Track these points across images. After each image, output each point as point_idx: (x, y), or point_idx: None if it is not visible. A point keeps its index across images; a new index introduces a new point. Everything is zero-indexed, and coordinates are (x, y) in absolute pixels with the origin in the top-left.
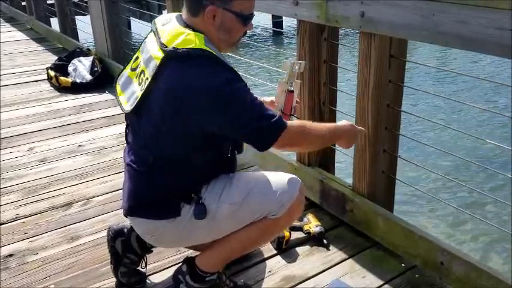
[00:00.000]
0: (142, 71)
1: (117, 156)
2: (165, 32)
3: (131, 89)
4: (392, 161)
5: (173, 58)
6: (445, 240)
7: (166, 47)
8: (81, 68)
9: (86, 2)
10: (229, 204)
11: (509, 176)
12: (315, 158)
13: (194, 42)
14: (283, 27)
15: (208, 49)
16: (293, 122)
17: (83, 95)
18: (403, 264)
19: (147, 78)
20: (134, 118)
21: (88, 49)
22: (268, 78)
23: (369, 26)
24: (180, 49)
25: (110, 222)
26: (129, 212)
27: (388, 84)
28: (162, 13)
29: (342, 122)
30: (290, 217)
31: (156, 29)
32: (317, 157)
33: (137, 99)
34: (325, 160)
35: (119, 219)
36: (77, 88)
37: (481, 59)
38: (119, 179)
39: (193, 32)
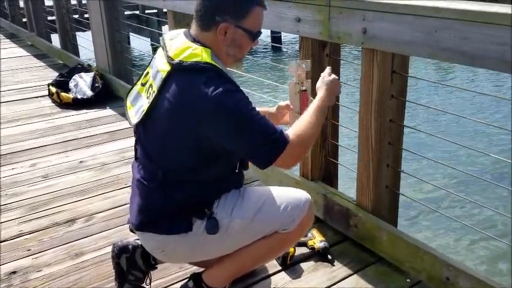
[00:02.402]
0: (151, 85)
1: (119, 172)
2: (172, 46)
3: (140, 103)
4: (396, 176)
5: (179, 71)
6: (450, 254)
7: (173, 60)
8: (82, 84)
9: (87, 18)
10: (241, 219)
11: (510, 188)
12: (318, 172)
13: (201, 55)
14: (282, 41)
15: (214, 63)
16: (290, 134)
17: (84, 110)
18: (408, 280)
19: (154, 91)
20: (142, 132)
21: (89, 65)
22: (268, 93)
23: (371, 43)
24: (186, 62)
25: (113, 238)
26: (139, 227)
27: (391, 99)
28: (161, 29)
29: (318, 91)
30: (300, 231)
31: (165, 43)
32: (320, 172)
33: (144, 112)
34: (328, 175)
35: (123, 235)
36: (78, 104)
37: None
38: (122, 195)
39: (200, 47)
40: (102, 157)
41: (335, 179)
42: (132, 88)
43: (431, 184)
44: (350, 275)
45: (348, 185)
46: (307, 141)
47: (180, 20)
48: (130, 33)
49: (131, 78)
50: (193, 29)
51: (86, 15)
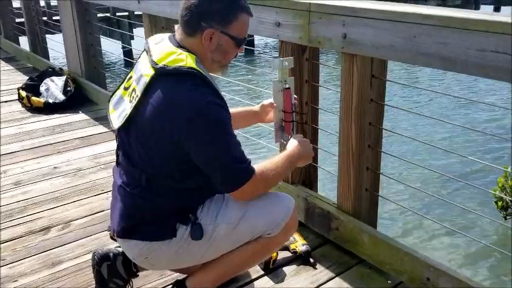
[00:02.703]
0: (134, 89)
1: (95, 178)
2: (157, 51)
3: (123, 107)
4: (376, 179)
5: (163, 75)
6: (430, 255)
7: (157, 64)
8: (54, 88)
9: (56, 21)
10: (226, 224)
11: (489, 191)
12: (298, 176)
13: (185, 61)
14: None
15: (198, 69)
16: (257, 170)
17: (56, 115)
18: (389, 281)
19: (137, 96)
20: (124, 136)
21: (60, 69)
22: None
23: (351, 47)
24: (169, 67)
25: (91, 246)
26: (121, 234)
27: (370, 103)
28: (132, 31)
29: (291, 145)
30: (285, 235)
31: (149, 47)
32: (300, 175)
33: (126, 116)
34: (308, 178)
35: (101, 242)
36: (49, 108)
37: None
38: (98, 202)
39: (185, 52)
40: (77, 163)
41: (315, 183)
42: (114, 92)
43: (410, 186)
44: (332, 278)
45: (327, 188)
46: (270, 182)
47: (155, 23)
48: (101, 36)
49: (104, 82)
50: (178, 33)
51: (55, 18)
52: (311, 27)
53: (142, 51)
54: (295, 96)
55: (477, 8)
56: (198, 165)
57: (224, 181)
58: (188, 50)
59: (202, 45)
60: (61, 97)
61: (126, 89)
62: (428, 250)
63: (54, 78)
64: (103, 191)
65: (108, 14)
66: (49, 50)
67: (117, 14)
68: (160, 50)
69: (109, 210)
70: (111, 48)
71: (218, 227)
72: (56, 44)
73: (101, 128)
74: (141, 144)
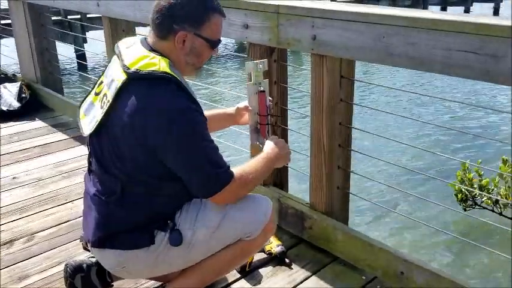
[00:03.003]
0: (105, 94)
1: (58, 187)
2: (128, 55)
3: (93, 113)
4: (346, 177)
5: (135, 80)
6: (402, 249)
7: (129, 69)
8: (7, 95)
9: (6, 25)
10: (205, 229)
11: (450, 182)
12: (269, 177)
13: (158, 65)
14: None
15: (172, 73)
16: (236, 173)
17: (11, 123)
18: (364, 277)
19: (108, 101)
20: (96, 143)
21: (14, 75)
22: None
23: (320, 49)
24: (142, 71)
25: (59, 258)
26: (97, 244)
27: (340, 103)
28: (85, 34)
29: (268, 146)
30: (265, 236)
31: (120, 51)
32: (271, 176)
33: (97, 122)
34: (279, 179)
35: (69, 254)
36: (3, 116)
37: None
38: (63, 212)
39: (158, 56)
40: (37, 172)
41: (286, 183)
42: (85, 97)
43: (379, 182)
44: (309, 277)
45: (297, 188)
46: (249, 185)
47: (116, 26)
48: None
49: (61, 87)
50: (150, 37)
51: (4, 22)
52: (280, 29)
53: (113, 56)
54: (270, 98)
55: (425, 8)
56: (174, 172)
57: (203, 187)
58: (161, 54)
59: (176, 48)
60: (16, 104)
61: (97, 94)
62: (397, 243)
63: (7, 84)
64: (67, 201)
65: (59, 17)
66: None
67: (69, 16)
68: (132, 54)
69: (75, 220)
70: (63, 51)
71: (197, 231)
72: (5, 49)
73: (60, 135)
74: (114, 151)
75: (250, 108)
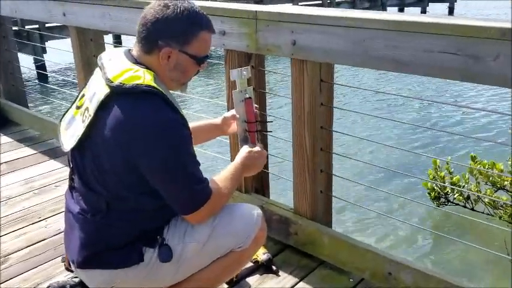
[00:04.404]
0: (87, 108)
1: (29, 205)
2: (111, 68)
3: (74, 127)
4: (329, 180)
5: (118, 94)
6: (388, 250)
7: (112, 82)
8: None
9: None
10: (195, 243)
11: (424, 179)
12: (250, 184)
13: (143, 78)
14: None
15: (157, 86)
16: (212, 188)
17: None
18: (351, 279)
19: (90, 115)
20: (78, 159)
21: None
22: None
23: (300, 53)
24: (126, 85)
25: (36, 279)
26: (82, 265)
27: (321, 107)
28: (44, 44)
29: (240, 155)
30: (256, 245)
31: (102, 64)
32: (252, 183)
33: (78, 137)
34: (260, 185)
35: (46, 274)
36: None
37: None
38: (36, 231)
39: (143, 69)
40: (5, 190)
41: (267, 189)
42: (67, 110)
43: (361, 184)
44: (297, 283)
45: (279, 193)
46: (225, 199)
47: (83, 36)
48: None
49: (25, 100)
50: (135, 50)
51: None
52: (259, 35)
53: (96, 68)
54: (256, 105)
55: (384, 9)
56: (156, 188)
57: (183, 203)
58: (146, 67)
59: (160, 64)
60: None
61: (78, 107)
62: (385, 244)
63: None
64: (40, 219)
65: (17, 27)
66: None
67: (26, 26)
68: (116, 66)
69: (50, 239)
70: (22, 62)
71: (187, 246)
72: None
73: (27, 150)
74: (97, 167)
75: (237, 116)
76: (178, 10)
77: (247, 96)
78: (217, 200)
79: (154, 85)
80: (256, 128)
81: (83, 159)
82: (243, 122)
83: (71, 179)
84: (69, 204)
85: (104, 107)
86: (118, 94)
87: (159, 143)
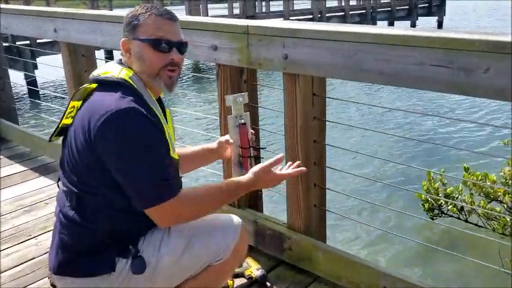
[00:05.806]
0: (73, 106)
1: (19, 222)
2: (99, 69)
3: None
4: (322, 194)
5: (99, 86)
6: (381, 263)
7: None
8: None
9: None
10: (169, 256)
11: (417, 192)
12: (244, 198)
13: (118, 72)
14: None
15: (129, 80)
16: (184, 191)
17: None
18: None
19: (73, 108)
20: (62, 155)
21: None
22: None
23: (293, 68)
24: (100, 76)
25: None
26: (57, 270)
27: (313, 120)
28: (35, 60)
29: (253, 176)
30: (237, 257)
31: (92, 73)
32: (246, 197)
33: (57, 126)
34: (254, 200)
35: None
36: None
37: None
38: (26, 249)
39: (121, 66)
40: None
41: (260, 203)
42: (56, 127)
43: (355, 197)
44: None
45: (272, 208)
46: (196, 207)
47: (75, 51)
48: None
49: (16, 116)
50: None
51: None
52: (251, 50)
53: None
54: (252, 131)
55: (374, 23)
56: (116, 178)
57: (140, 195)
58: (128, 67)
59: (129, 59)
60: None
61: (68, 114)
62: (371, 256)
63: None
64: (30, 237)
65: (7, 43)
66: None
67: (17, 42)
68: (102, 67)
69: (41, 257)
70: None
71: (162, 258)
72: None
73: (17, 167)
74: (70, 159)
75: (231, 141)
76: (132, 10)
77: (241, 121)
78: (183, 203)
79: (128, 79)
80: (249, 154)
81: (63, 154)
82: (236, 147)
83: (59, 178)
84: (56, 206)
85: (83, 100)
86: (96, 87)
87: (118, 129)
